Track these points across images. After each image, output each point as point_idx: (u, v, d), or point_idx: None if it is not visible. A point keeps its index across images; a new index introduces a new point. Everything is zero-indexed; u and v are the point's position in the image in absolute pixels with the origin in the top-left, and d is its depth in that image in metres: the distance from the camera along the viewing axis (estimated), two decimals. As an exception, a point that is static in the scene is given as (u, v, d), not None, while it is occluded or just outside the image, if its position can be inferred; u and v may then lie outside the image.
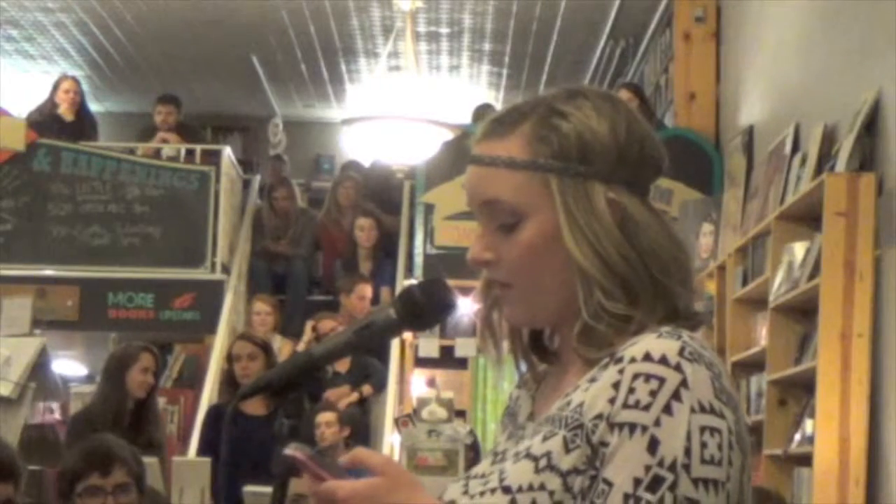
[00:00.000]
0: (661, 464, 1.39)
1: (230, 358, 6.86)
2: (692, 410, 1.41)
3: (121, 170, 9.71)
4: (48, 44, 11.43)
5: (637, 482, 1.39)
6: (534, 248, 1.51)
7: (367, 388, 8.14)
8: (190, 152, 10.18)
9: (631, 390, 1.42)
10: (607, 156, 1.51)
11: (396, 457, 7.73)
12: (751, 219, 6.37)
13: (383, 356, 8.46)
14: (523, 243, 1.52)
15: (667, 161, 1.58)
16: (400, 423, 7.54)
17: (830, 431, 4.78)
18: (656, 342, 1.44)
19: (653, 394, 1.41)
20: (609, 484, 1.40)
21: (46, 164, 9.64)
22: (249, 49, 11.40)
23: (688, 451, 1.40)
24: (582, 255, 1.49)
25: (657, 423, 1.40)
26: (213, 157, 10.10)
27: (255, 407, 6.28)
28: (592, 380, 1.47)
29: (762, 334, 5.78)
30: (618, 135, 1.52)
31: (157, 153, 10.18)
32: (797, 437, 5.22)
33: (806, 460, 5.04)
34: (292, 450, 1.49)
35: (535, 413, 1.59)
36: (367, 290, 8.97)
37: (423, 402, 7.56)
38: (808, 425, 5.05)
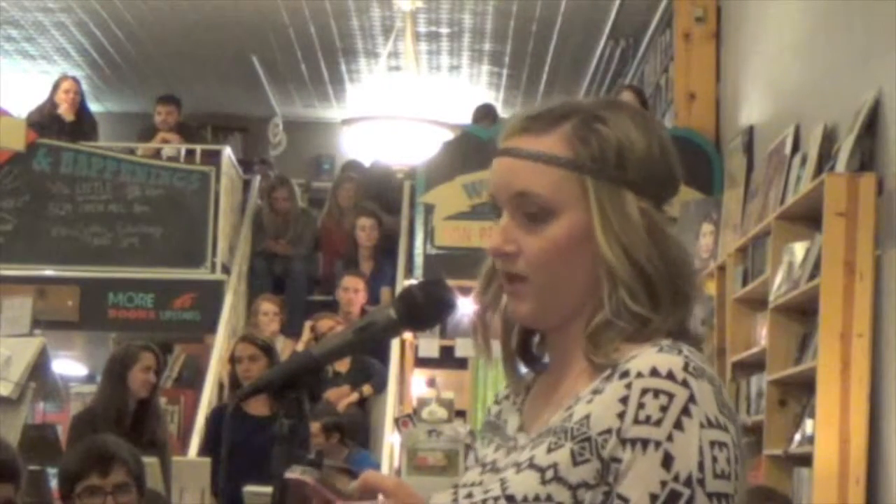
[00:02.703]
0: (676, 479, 1.41)
1: (233, 359, 6.88)
2: (701, 426, 1.42)
3: (121, 170, 9.71)
4: (48, 44, 11.43)
5: (654, 498, 1.41)
6: (561, 244, 1.52)
7: (367, 389, 8.14)
8: (190, 152, 10.18)
9: (641, 405, 1.43)
10: (641, 167, 1.54)
11: (396, 457, 7.74)
12: (751, 219, 6.37)
13: (383, 356, 8.45)
14: (551, 239, 1.53)
15: (682, 179, 1.61)
16: (400, 423, 7.54)
17: (830, 431, 4.78)
18: (660, 357, 1.46)
19: (663, 409, 1.42)
20: (625, 500, 1.42)
21: (46, 164, 9.64)
22: (249, 49, 11.40)
23: (701, 466, 1.41)
24: (612, 255, 1.50)
25: (670, 438, 1.41)
26: (213, 157, 10.10)
27: (257, 407, 6.28)
28: (595, 391, 1.47)
29: (762, 334, 5.78)
30: (652, 150, 1.55)
31: (157, 153, 10.18)
32: (797, 437, 5.22)
33: (806, 460, 5.04)
34: (299, 474, 1.48)
35: (526, 424, 1.59)
36: (352, 281, 8.95)
37: (423, 402, 7.56)
38: (808, 425, 5.05)
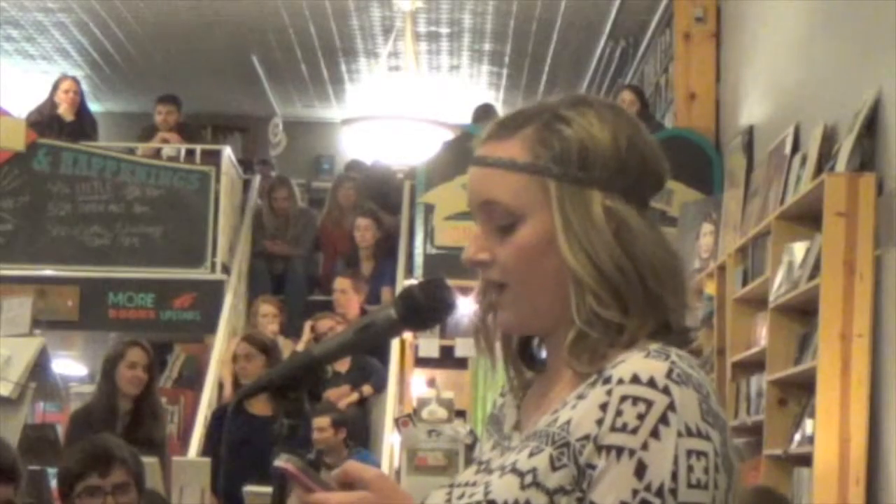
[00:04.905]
0: (648, 488, 1.40)
1: (235, 358, 6.92)
2: (679, 434, 1.41)
3: (121, 170, 9.71)
4: (48, 44, 11.43)
5: None
6: (528, 249, 1.52)
7: (367, 388, 8.14)
8: (190, 152, 10.18)
9: (619, 413, 1.42)
10: (607, 164, 1.52)
11: (396, 457, 7.74)
12: (751, 219, 6.37)
13: (383, 356, 8.46)
14: (518, 244, 1.52)
15: (668, 174, 1.59)
16: (400, 423, 7.55)
17: (830, 431, 4.78)
18: (644, 363, 1.44)
19: (640, 417, 1.41)
20: None
21: (46, 164, 9.64)
22: (249, 49, 11.40)
23: (674, 476, 1.40)
24: (575, 260, 1.49)
25: (644, 446, 1.40)
26: (213, 157, 10.09)
27: (260, 407, 6.28)
28: (580, 397, 1.46)
29: (762, 334, 5.78)
30: (619, 144, 1.53)
31: (157, 153, 10.18)
32: (797, 437, 5.22)
33: (806, 460, 5.04)
34: (283, 461, 1.49)
35: (521, 423, 1.59)
36: (340, 283, 8.96)
37: (423, 402, 7.57)
38: (808, 425, 5.05)
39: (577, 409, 1.45)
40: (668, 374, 1.43)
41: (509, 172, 1.53)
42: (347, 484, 1.47)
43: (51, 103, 10.25)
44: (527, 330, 1.59)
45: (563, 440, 1.44)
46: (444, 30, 10.85)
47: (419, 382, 8.59)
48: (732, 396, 6.08)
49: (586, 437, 1.43)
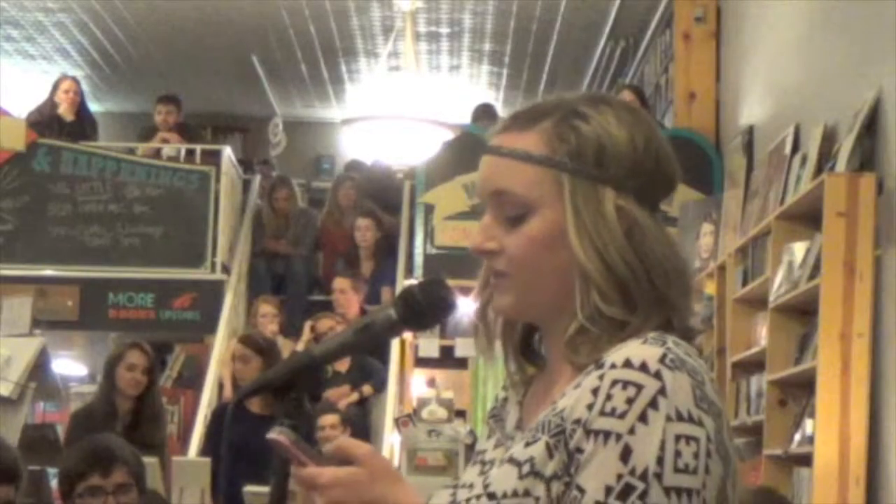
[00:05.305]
0: (632, 472, 1.39)
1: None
2: (668, 419, 1.41)
3: (121, 170, 9.72)
4: (48, 44, 11.43)
5: (608, 490, 1.40)
6: (537, 242, 1.52)
7: (367, 388, 8.14)
8: (190, 152, 10.18)
9: (608, 397, 1.42)
10: (622, 163, 1.53)
11: (396, 457, 7.74)
12: (751, 219, 6.36)
13: (383, 356, 8.46)
14: (527, 236, 1.53)
15: (679, 177, 1.60)
16: (400, 423, 7.54)
17: (830, 431, 4.78)
18: (639, 348, 1.45)
19: (629, 401, 1.41)
20: (581, 491, 1.41)
21: (46, 164, 9.65)
22: (249, 49, 11.40)
23: (660, 460, 1.40)
24: (585, 255, 1.49)
25: (631, 431, 1.40)
26: (213, 157, 10.10)
27: (261, 406, 6.28)
28: (577, 386, 1.47)
29: (762, 334, 5.78)
30: (636, 145, 1.54)
31: (157, 153, 10.18)
32: (797, 437, 5.22)
33: (806, 460, 5.04)
34: (276, 433, 1.49)
35: (523, 421, 1.59)
36: (339, 283, 8.97)
37: (423, 402, 7.56)
38: (808, 425, 5.05)
39: (572, 396, 1.46)
40: (662, 359, 1.43)
41: (524, 164, 1.53)
42: (340, 460, 1.48)
43: (51, 103, 10.26)
44: (523, 316, 1.59)
45: (559, 427, 1.45)
46: (444, 30, 10.85)
47: (419, 382, 8.59)
48: (732, 396, 6.08)
49: (577, 422, 1.43)
